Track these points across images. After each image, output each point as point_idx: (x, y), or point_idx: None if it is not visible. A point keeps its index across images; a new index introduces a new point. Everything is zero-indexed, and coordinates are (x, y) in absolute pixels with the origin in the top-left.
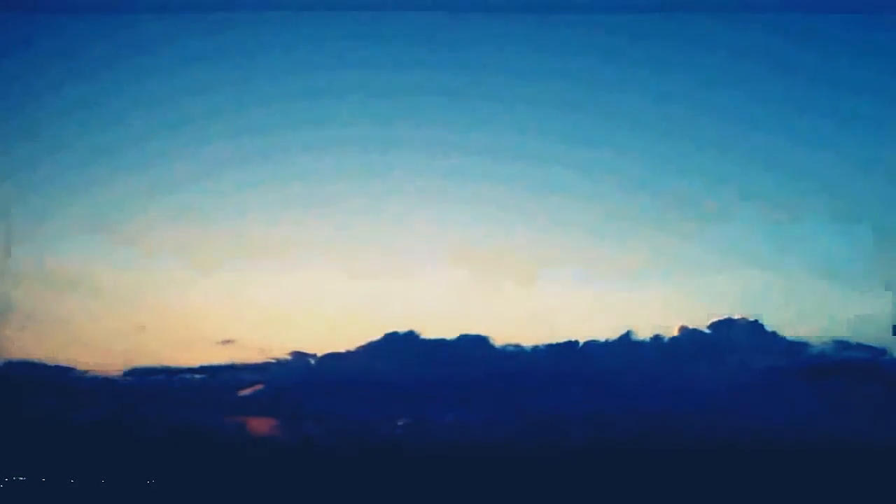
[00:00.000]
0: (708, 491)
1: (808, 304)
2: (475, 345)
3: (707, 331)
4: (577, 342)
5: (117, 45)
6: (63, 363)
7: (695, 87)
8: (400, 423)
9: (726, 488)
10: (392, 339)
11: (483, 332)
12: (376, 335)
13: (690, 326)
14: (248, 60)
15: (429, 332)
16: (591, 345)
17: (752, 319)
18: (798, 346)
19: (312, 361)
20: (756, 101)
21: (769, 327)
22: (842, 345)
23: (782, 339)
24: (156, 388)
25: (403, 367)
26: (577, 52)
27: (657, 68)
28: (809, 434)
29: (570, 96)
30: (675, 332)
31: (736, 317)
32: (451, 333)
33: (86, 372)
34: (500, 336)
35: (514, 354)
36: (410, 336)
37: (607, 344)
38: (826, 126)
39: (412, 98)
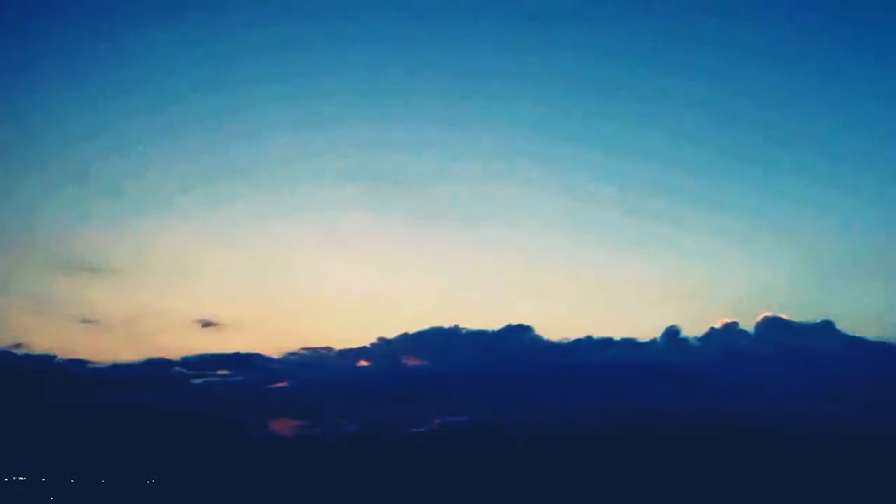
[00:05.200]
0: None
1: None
2: (520, 335)
3: (751, 331)
4: (621, 338)
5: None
6: (73, 354)
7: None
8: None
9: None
10: (436, 331)
11: (529, 323)
12: (419, 326)
13: (740, 325)
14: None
15: (473, 322)
16: (630, 341)
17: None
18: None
19: (332, 353)
20: (817, 88)
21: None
22: None
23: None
24: (174, 377)
25: (444, 359)
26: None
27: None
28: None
29: (610, 84)
30: (718, 326)
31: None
32: (495, 324)
33: (100, 362)
34: (546, 328)
35: (563, 348)
36: (455, 330)
37: (657, 340)
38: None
39: (446, 91)
